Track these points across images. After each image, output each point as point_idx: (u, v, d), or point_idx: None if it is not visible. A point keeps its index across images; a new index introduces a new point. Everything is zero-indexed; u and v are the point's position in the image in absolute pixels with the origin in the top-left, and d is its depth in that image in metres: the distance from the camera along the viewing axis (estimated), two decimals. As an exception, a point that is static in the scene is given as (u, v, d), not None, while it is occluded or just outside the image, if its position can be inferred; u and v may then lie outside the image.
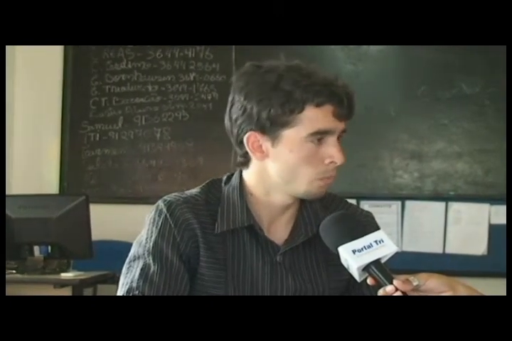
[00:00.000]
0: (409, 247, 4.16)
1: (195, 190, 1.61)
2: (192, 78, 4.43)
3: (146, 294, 1.48)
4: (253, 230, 1.56)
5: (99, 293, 3.99)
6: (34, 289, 3.72)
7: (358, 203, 4.07)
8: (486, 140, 4.16)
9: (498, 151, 4.10)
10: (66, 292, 3.76)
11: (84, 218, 3.73)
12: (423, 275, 1.31)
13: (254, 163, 1.57)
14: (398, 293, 1.27)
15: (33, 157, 4.52)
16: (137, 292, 1.49)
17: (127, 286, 1.50)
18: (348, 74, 4.14)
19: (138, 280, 1.50)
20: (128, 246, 1.60)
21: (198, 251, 1.53)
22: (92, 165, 4.47)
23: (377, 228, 1.37)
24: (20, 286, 3.66)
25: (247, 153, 1.55)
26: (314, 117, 1.48)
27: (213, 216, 1.56)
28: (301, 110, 1.47)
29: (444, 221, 4.17)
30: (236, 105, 1.53)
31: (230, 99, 1.55)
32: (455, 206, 4.17)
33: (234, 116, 1.53)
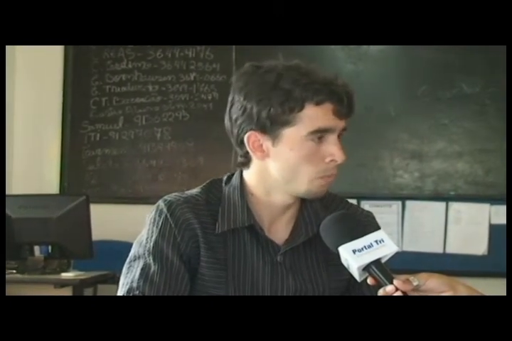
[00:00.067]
0: (409, 247, 4.16)
1: (195, 190, 1.61)
2: (192, 78, 4.43)
3: (146, 294, 1.48)
4: (254, 230, 1.56)
5: (99, 293, 3.99)
6: (34, 289, 3.72)
7: (358, 203, 4.07)
8: (486, 140, 4.16)
9: (498, 151, 4.10)
10: (66, 292, 3.76)
11: (84, 218, 3.73)
12: (423, 275, 1.31)
13: (255, 163, 1.57)
14: (398, 293, 1.27)
15: (34, 157, 4.52)
16: (137, 292, 1.49)
17: (127, 286, 1.50)
18: (348, 74, 4.14)
19: (138, 280, 1.50)
20: (128, 246, 1.60)
21: (199, 251, 1.53)
22: (92, 165, 4.47)
23: (378, 228, 1.37)
24: (21, 286, 3.66)
25: (247, 153, 1.55)
26: (314, 115, 1.48)
27: (214, 216, 1.56)
28: (301, 109, 1.47)
29: (444, 221, 4.17)
30: (236, 105, 1.53)
31: (229, 99, 1.55)
32: (455, 206, 4.17)
33: (234, 116, 1.53)
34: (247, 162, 1.58)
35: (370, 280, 1.31)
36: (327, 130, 1.49)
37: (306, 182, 1.51)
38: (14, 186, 4.45)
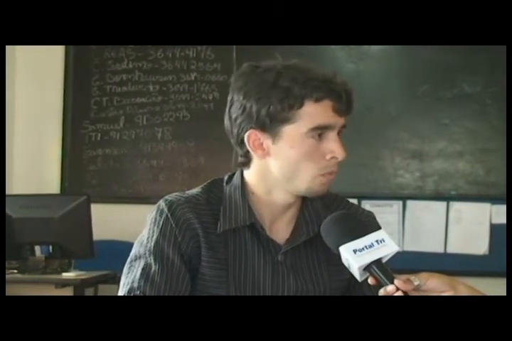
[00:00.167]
0: (410, 247, 4.16)
1: (196, 190, 1.61)
2: (193, 78, 4.43)
3: (147, 294, 1.48)
4: (255, 229, 1.56)
5: (100, 293, 3.99)
6: (35, 289, 3.72)
7: (359, 203, 4.07)
8: (487, 139, 4.16)
9: (499, 151, 4.10)
10: (67, 292, 3.76)
11: (85, 218, 3.73)
12: (424, 275, 1.31)
13: (255, 162, 1.57)
14: (399, 293, 1.27)
15: (34, 157, 4.52)
16: (138, 292, 1.49)
17: (128, 286, 1.50)
18: (349, 73, 4.14)
19: (139, 280, 1.50)
20: (129, 246, 1.60)
21: (200, 251, 1.53)
22: (93, 165, 4.47)
23: (379, 228, 1.37)
24: (22, 286, 3.66)
25: (248, 152, 1.55)
26: (314, 112, 1.48)
27: (215, 215, 1.56)
28: (301, 106, 1.48)
29: (445, 220, 4.17)
30: (235, 105, 1.53)
31: (228, 99, 1.56)
32: (456, 206, 4.17)
33: (233, 116, 1.54)
34: (247, 161, 1.58)
35: (370, 280, 1.31)
36: (327, 127, 1.49)
37: (307, 179, 1.51)
38: (15, 186, 4.45)
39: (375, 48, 4.27)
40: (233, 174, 1.63)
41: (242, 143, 1.54)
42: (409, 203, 4.22)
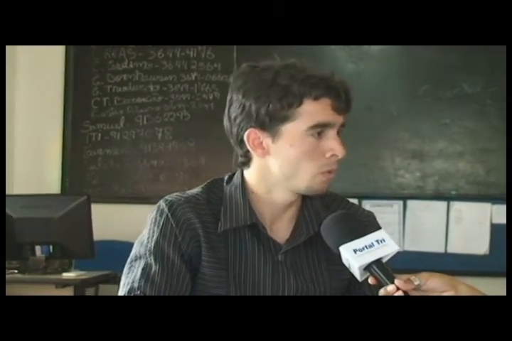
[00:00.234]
0: (411, 247, 4.16)
1: (196, 190, 1.61)
2: (193, 78, 4.44)
3: (147, 294, 1.48)
4: (255, 229, 1.56)
5: (101, 293, 3.99)
6: (36, 289, 3.72)
7: (359, 203, 4.07)
8: (487, 139, 4.16)
9: (499, 151, 4.10)
10: (68, 292, 3.75)
11: (85, 218, 3.73)
12: (424, 275, 1.31)
13: (255, 162, 1.57)
14: (399, 293, 1.27)
15: (35, 157, 4.52)
16: (139, 292, 1.48)
17: (129, 286, 1.50)
18: (349, 73, 4.14)
19: (139, 280, 1.50)
20: (130, 246, 1.60)
21: (200, 251, 1.53)
22: (93, 165, 4.47)
23: (379, 228, 1.37)
24: (22, 286, 3.66)
25: (247, 151, 1.55)
26: (313, 110, 1.48)
27: (215, 215, 1.56)
28: (300, 104, 1.48)
29: (445, 220, 4.17)
30: (234, 104, 1.53)
31: (228, 99, 1.56)
32: (457, 205, 4.18)
33: (233, 115, 1.54)
34: (247, 161, 1.58)
35: (371, 280, 1.31)
36: (326, 125, 1.50)
37: (307, 178, 1.52)
38: (15, 186, 4.45)
39: (375, 48, 4.27)
40: (233, 174, 1.63)
41: (241, 142, 1.54)
42: (410, 203, 4.22)
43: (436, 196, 4.19)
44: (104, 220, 3.92)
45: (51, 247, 3.81)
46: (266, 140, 1.52)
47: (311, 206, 1.61)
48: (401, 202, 4.21)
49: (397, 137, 4.22)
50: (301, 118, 1.49)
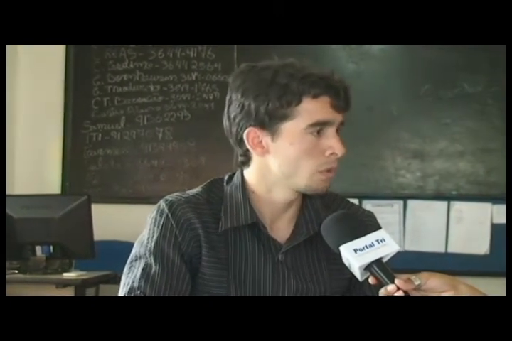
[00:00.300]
0: (411, 247, 4.16)
1: (196, 190, 1.61)
2: (194, 78, 4.44)
3: (147, 294, 1.48)
4: (255, 228, 1.56)
5: (101, 293, 3.99)
6: (36, 289, 3.72)
7: (360, 203, 4.07)
8: (488, 139, 4.16)
9: (500, 150, 4.10)
10: (68, 292, 3.76)
11: (86, 218, 3.73)
12: (425, 275, 1.31)
13: (255, 161, 1.57)
14: (400, 293, 1.27)
15: (35, 157, 4.52)
16: (139, 292, 1.49)
17: (129, 286, 1.50)
18: (349, 73, 4.14)
19: (139, 280, 1.50)
20: (130, 246, 1.60)
21: (200, 251, 1.54)
22: (94, 165, 4.47)
23: (379, 228, 1.36)
24: (23, 286, 3.66)
25: (247, 150, 1.56)
26: (312, 109, 1.49)
27: (215, 215, 1.56)
28: (299, 102, 1.48)
29: (446, 220, 4.17)
30: (234, 104, 1.54)
31: (227, 98, 1.56)
32: (457, 205, 4.17)
33: (232, 115, 1.54)
34: (247, 160, 1.58)
35: (371, 280, 1.31)
36: (326, 123, 1.50)
37: (306, 176, 1.52)
38: (16, 186, 4.45)
39: (375, 48, 4.27)
40: (233, 174, 1.63)
41: (241, 141, 1.55)
42: (410, 203, 4.22)
43: (437, 196, 4.19)
44: (104, 220, 3.92)
45: (51, 247, 3.81)
46: (265, 139, 1.52)
47: (311, 205, 1.61)
48: (401, 202, 4.21)
49: (398, 137, 4.22)
50: (300, 116, 1.49)
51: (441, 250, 4.15)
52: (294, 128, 1.50)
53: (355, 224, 1.36)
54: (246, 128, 1.52)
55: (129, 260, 1.56)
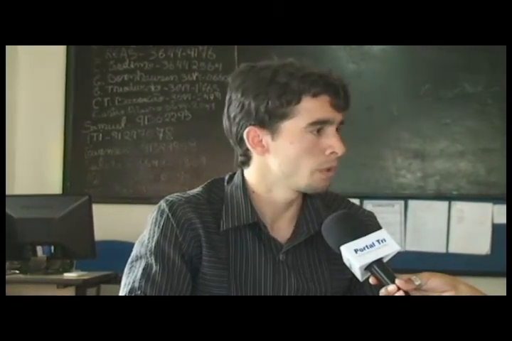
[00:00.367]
0: (412, 247, 4.16)
1: (196, 190, 1.61)
2: (194, 78, 4.44)
3: (148, 294, 1.48)
4: (256, 228, 1.56)
5: (102, 293, 3.99)
6: (37, 289, 3.72)
7: (361, 203, 4.08)
8: (488, 139, 4.16)
9: (501, 150, 4.10)
10: (69, 292, 3.76)
11: (87, 218, 3.73)
12: (425, 275, 1.31)
13: (255, 160, 1.57)
14: (400, 292, 1.27)
15: (36, 157, 4.52)
16: (139, 292, 1.49)
17: (129, 286, 1.50)
18: (350, 73, 4.14)
19: (140, 280, 1.50)
20: (131, 246, 1.60)
21: (201, 251, 1.54)
22: (94, 165, 4.47)
23: (379, 228, 1.37)
24: (24, 286, 3.67)
25: (247, 150, 1.56)
26: (312, 107, 1.49)
27: (216, 215, 1.56)
28: (298, 101, 1.48)
29: (447, 220, 4.17)
30: (234, 103, 1.54)
31: (227, 98, 1.56)
32: (458, 205, 4.17)
33: (232, 114, 1.54)
34: (247, 160, 1.58)
35: (372, 280, 1.31)
36: (326, 121, 1.50)
37: (306, 175, 1.52)
38: (17, 186, 4.45)
39: (376, 48, 4.27)
40: (234, 174, 1.63)
41: (241, 141, 1.55)
42: (411, 203, 4.22)
43: (438, 196, 4.19)
44: (105, 220, 3.92)
45: (52, 247, 3.81)
46: (265, 138, 1.52)
47: (312, 205, 1.61)
48: (402, 202, 4.21)
49: (398, 137, 4.22)
50: (300, 115, 1.49)
51: (442, 250, 4.15)
52: (294, 127, 1.50)
53: (356, 224, 1.37)
54: (246, 127, 1.52)
55: (129, 260, 1.56)
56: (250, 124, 1.52)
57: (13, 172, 4.46)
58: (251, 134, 1.53)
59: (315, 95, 1.48)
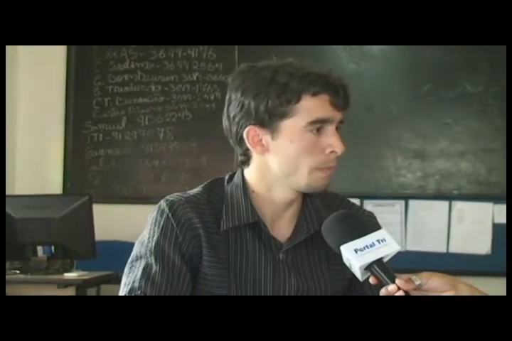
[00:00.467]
0: (412, 246, 4.16)
1: (196, 190, 1.61)
2: (195, 78, 4.44)
3: (148, 294, 1.48)
4: (256, 228, 1.56)
5: (102, 293, 3.99)
6: (37, 289, 3.73)
7: (361, 202, 4.08)
8: (489, 139, 4.16)
9: (501, 150, 4.10)
10: (69, 292, 3.77)
11: (87, 218, 3.73)
12: (425, 275, 1.31)
13: (255, 160, 1.57)
14: (400, 292, 1.27)
15: (36, 157, 4.52)
16: (139, 292, 1.49)
17: (129, 286, 1.50)
18: (350, 73, 4.14)
19: (140, 280, 1.50)
20: (131, 246, 1.60)
21: (201, 251, 1.54)
22: (95, 166, 4.48)
23: (379, 228, 1.37)
24: (24, 286, 3.67)
25: (247, 149, 1.56)
26: (312, 106, 1.49)
27: (216, 214, 1.56)
28: (298, 100, 1.49)
29: (447, 220, 4.17)
30: (233, 103, 1.54)
31: (226, 98, 1.57)
32: (458, 205, 4.17)
33: (232, 114, 1.54)
34: (247, 160, 1.58)
35: (372, 280, 1.31)
36: (325, 120, 1.50)
37: (306, 174, 1.52)
38: (17, 186, 4.45)
39: (376, 48, 4.27)
40: (234, 173, 1.64)
41: (241, 140, 1.55)
42: (412, 203, 4.22)
43: (438, 196, 4.19)
44: (105, 220, 3.92)
45: (53, 247, 3.81)
46: (265, 137, 1.53)
47: (312, 205, 1.61)
48: (403, 202, 4.21)
49: (399, 137, 4.22)
50: (300, 114, 1.49)
51: (443, 250, 4.15)
52: (293, 126, 1.50)
53: (356, 224, 1.37)
54: (246, 127, 1.53)
55: (129, 260, 1.56)
56: (250, 124, 1.52)
57: (14, 172, 4.46)
58: (251, 134, 1.53)
59: (315, 94, 1.49)
